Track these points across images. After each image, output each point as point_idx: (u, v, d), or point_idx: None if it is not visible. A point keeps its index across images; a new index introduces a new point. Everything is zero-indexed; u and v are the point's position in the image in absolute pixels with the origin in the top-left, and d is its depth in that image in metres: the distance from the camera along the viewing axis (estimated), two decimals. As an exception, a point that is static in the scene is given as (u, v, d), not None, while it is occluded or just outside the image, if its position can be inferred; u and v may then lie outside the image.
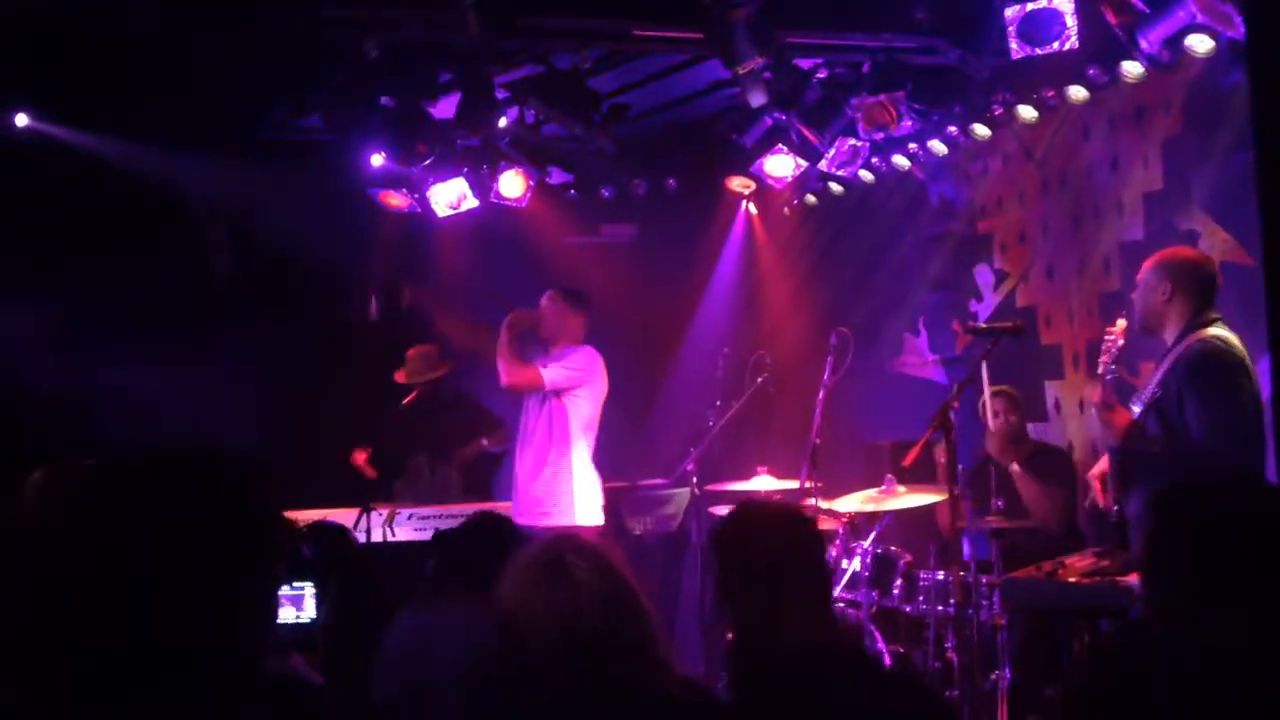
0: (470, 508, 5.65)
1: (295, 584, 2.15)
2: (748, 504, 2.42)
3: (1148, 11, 4.64)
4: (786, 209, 7.57)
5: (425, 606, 3.09)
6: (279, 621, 2.12)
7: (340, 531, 2.24)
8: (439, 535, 3.20)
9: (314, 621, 2.14)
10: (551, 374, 5.28)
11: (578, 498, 5.26)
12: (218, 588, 1.34)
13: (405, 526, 5.43)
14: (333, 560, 2.19)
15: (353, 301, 6.63)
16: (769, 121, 6.15)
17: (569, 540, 2.21)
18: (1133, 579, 3.53)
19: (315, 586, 2.15)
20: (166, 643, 1.32)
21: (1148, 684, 1.52)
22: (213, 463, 1.39)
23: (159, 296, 6.09)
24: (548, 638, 2.04)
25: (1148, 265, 4.16)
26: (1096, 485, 4.27)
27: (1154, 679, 1.52)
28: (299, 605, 2.15)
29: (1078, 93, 5.30)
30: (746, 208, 7.59)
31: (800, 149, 6.13)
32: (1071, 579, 3.68)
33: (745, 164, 6.52)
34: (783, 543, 2.28)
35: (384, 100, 5.53)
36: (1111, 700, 1.51)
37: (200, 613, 1.33)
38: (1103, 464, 4.35)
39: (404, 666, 2.88)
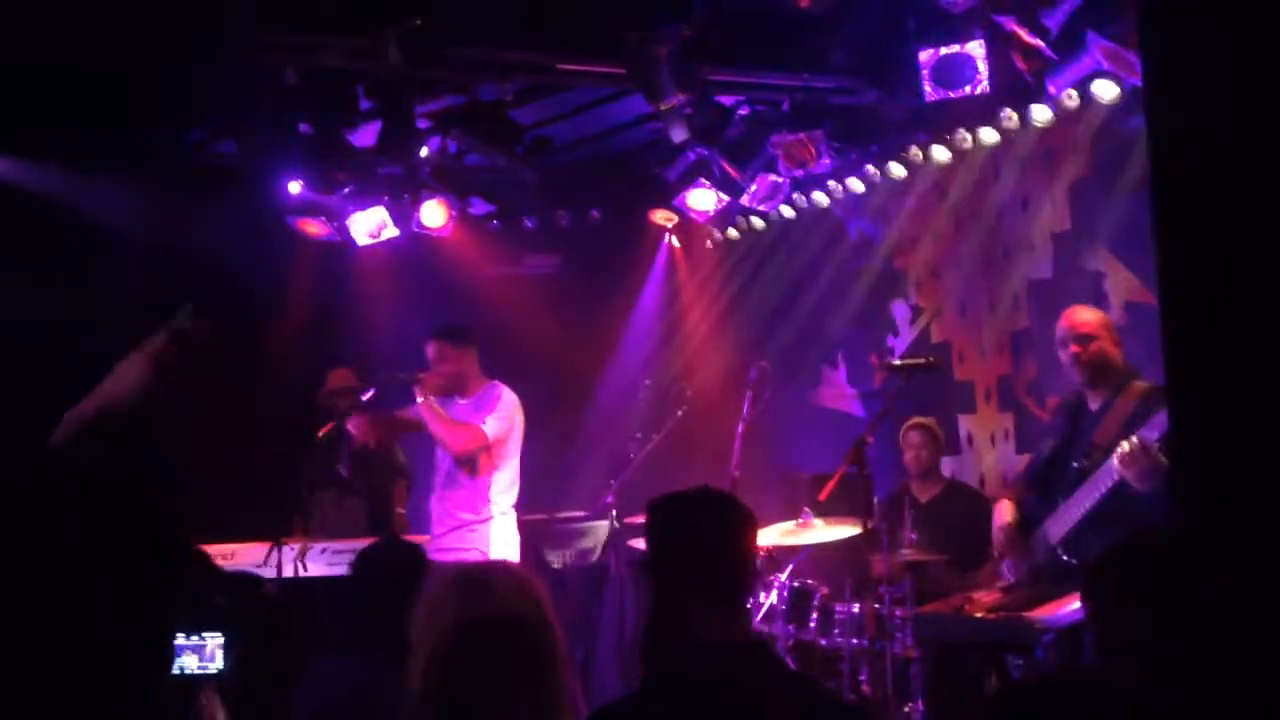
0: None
1: (203, 634, 2.08)
2: (683, 494, 2.35)
3: (1056, 58, 4.78)
4: (709, 242, 7.64)
5: (345, 655, 3.01)
6: (184, 671, 2.07)
7: (256, 582, 2.18)
8: (356, 575, 3.12)
9: (220, 672, 2.07)
10: (491, 428, 5.25)
11: (493, 539, 5.23)
12: (88, 620, 1.29)
13: (318, 561, 5.32)
14: (247, 611, 2.13)
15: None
16: (692, 156, 6.22)
17: (492, 566, 2.27)
18: (1037, 614, 3.60)
19: (225, 636, 2.08)
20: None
21: None
22: (98, 487, 1.34)
23: (71, 324, 5.92)
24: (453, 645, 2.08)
25: (1096, 321, 4.28)
26: (1002, 538, 4.35)
27: None
28: (202, 655, 2.08)
29: (989, 135, 5.44)
30: (669, 240, 7.64)
31: (722, 184, 6.21)
32: (978, 614, 3.74)
33: (668, 197, 6.59)
34: (695, 532, 2.24)
35: (303, 127, 5.46)
36: None
37: (55, 649, 1.27)
38: (1006, 513, 4.40)
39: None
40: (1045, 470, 4.40)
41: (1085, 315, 4.33)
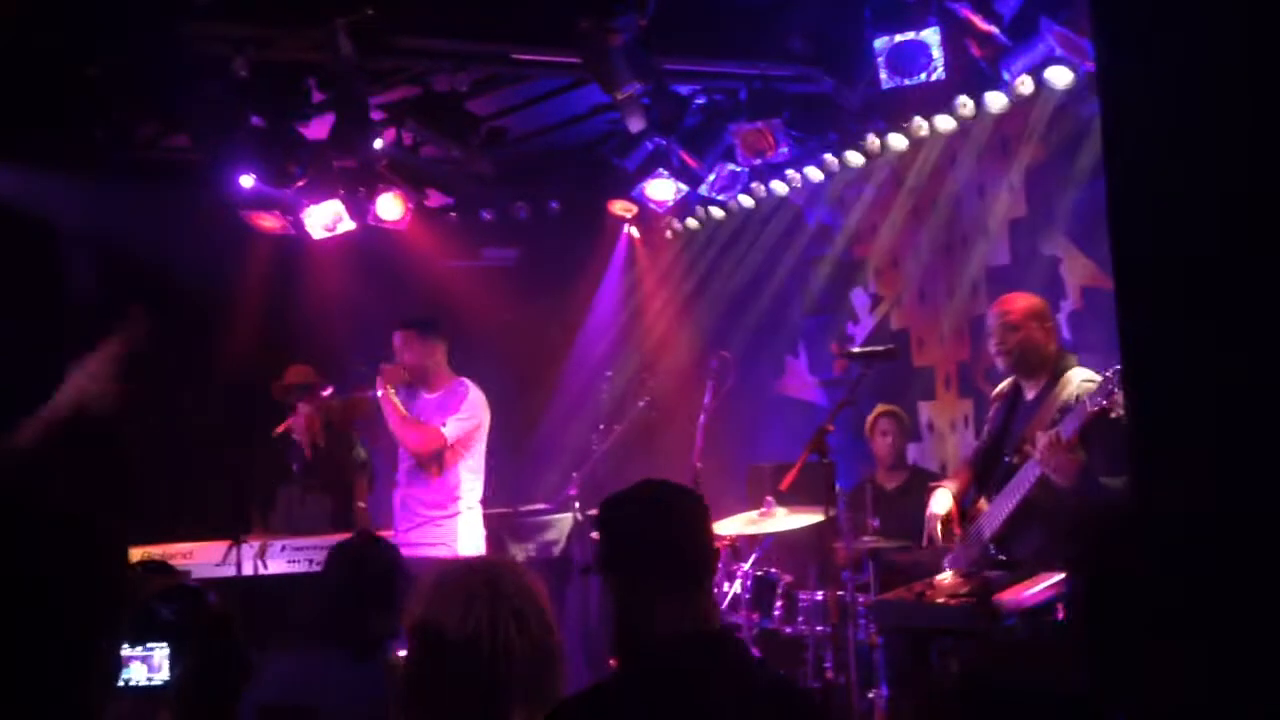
0: (344, 538, 5.51)
1: (149, 644, 2.05)
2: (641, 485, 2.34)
3: (1010, 45, 4.80)
4: (668, 232, 7.63)
5: (307, 652, 2.97)
6: (131, 683, 2.03)
7: (198, 593, 2.15)
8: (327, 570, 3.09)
9: (167, 683, 2.05)
10: (452, 430, 5.22)
11: (460, 533, 5.19)
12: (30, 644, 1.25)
13: (278, 559, 5.26)
14: (190, 622, 2.10)
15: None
16: (650, 146, 6.19)
17: (499, 562, 2.33)
18: (999, 598, 3.62)
19: (170, 647, 2.05)
20: None
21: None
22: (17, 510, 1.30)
23: (20, 322, 5.80)
24: (462, 646, 2.09)
25: (1023, 309, 4.19)
26: (935, 526, 4.27)
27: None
28: (150, 665, 2.05)
29: (945, 122, 5.45)
30: (628, 231, 7.62)
31: (681, 173, 6.19)
32: (939, 600, 3.75)
33: (627, 188, 6.55)
34: (659, 524, 2.23)
35: (254, 120, 5.37)
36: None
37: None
38: (941, 503, 4.34)
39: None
40: (982, 462, 4.34)
41: (1014, 304, 4.22)
